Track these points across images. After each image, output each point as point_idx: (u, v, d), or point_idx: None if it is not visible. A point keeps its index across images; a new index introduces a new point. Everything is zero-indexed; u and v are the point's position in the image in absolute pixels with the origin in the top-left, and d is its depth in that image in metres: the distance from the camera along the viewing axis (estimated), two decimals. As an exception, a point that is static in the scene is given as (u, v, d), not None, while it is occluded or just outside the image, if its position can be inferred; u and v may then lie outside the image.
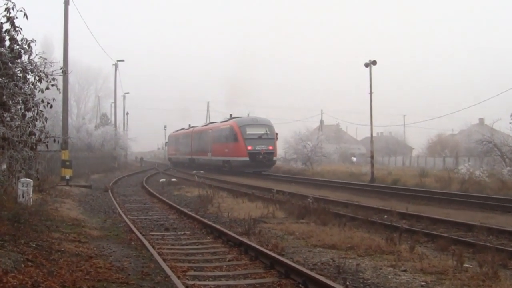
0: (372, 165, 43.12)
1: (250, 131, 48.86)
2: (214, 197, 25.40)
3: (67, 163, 34.97)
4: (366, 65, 42.56)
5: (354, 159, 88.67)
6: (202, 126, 64.26)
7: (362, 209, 21.16)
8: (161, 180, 40.53)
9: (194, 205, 23.85)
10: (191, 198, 27.24)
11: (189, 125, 73.39)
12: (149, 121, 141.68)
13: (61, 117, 40.30)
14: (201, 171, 56.44)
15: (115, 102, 74.84)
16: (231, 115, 55.54)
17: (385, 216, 19.15)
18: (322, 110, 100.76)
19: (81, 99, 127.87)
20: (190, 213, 20.05)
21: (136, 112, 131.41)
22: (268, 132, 49.32)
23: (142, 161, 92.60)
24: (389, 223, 16.61)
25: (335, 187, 35.41)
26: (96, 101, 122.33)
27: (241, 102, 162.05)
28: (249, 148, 48.08)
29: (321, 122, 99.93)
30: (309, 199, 21.21)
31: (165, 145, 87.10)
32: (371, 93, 42.63)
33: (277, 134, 50.33)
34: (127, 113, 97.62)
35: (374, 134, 48.95)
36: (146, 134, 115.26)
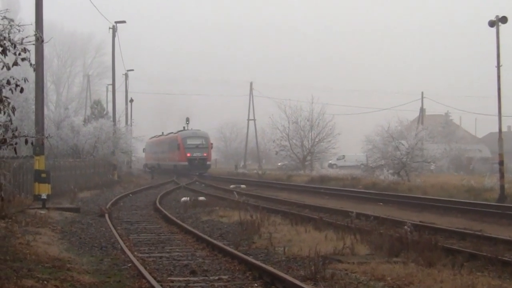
0: (502, 176, 42.37)
1: (190, 141, 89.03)
2: (263, 224, 25.38)
3: (43, 175, 35.33)
4: (491, 23, 41.87)
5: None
6: (165, 135, 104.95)
7: (488, 242, 20.83)
8: (183, 199, 40.65)
9: (233, 237, 23.82)
10: (229, 226, 27.28)
11: (162, 132, 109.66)
12: (162, 112, 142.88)
13: (33, 107, 40.72)
14: (242, 185, 57.59)
15: (113, 83, 75.60)
16: (184, 127, 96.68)
17: (525, 253, 18.76)
18: (422, 93, 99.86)
19: (62, 80, 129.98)
20: (228, 248, 20.03)
21: (145, 99, 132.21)
22: (203, 143, 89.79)
23: (154, 171, 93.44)
24: (532, 265, 16.28)
25: (445, 208, 35.07)
26: (85, 82, 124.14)
27: (305, 85, 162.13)
28: (188, 155, 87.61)
29: (422, 110, 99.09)
30: (405, 227, 21.02)
31: (143, 151, 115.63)
32: (498, 66, 41.92)
33: (211, 144, 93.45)
34: (131, 100, 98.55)
35: (504, 129, 48.10)
36: (158, 130, 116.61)
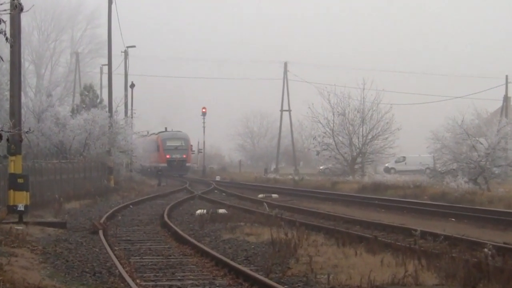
0: None
1: (169, 143, 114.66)
2: (300, 245, 25.44)
3: (21, 181, 35.41)
4: None
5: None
6: (148, 135, 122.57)
7: None
8: (198, 211, 40.73)
9: (262, 260, 23.84)
10: (257, 247, 27.37)
11: (147, 131, 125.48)
12: (171, 100, 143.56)
13: (7, 93, 40.92)
14: (274, 195, 58.40)
15: (109, 63, 75.76)
16: (166, 128, 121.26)
17: None
18: (507, 77, 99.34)
19: (45, 59, 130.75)
20: (256, 274, 20.02)
21: (149, 84, 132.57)
22: (183, 144, 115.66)
23: (161, 176, 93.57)
24: None
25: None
26: (74, 62, 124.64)
27: (354, 67, 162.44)
28: (168, 156, 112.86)
29: (506, 99, 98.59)
30: (485, 250, 20.85)
31: None
32: None
33: (191, 145, 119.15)
34: (133, 85, 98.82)
35: None
36: (166, 123, 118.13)
